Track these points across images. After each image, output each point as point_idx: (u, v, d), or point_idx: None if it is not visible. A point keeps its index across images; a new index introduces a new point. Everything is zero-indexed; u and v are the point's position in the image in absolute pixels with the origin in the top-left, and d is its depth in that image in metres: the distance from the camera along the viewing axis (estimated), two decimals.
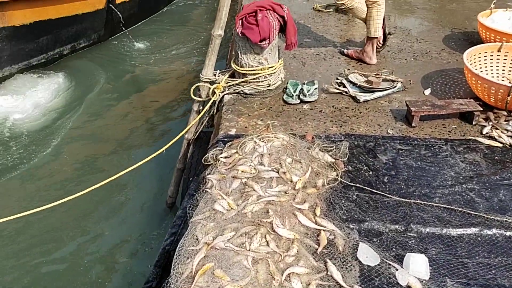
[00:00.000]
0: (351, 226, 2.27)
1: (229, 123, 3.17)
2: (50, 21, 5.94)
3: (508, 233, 2.25)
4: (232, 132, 3.07)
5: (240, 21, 3.44)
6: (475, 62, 3.55)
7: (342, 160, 2.75)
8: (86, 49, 6.87)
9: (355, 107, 3.40)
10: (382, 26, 4.01)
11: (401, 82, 3.65)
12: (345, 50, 4.28)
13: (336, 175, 2.61)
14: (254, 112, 3.32)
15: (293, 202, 2.36)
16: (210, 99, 3.43)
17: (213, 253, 2.05)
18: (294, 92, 3.49)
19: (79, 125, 5.15)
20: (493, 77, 3.51)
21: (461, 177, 2.65)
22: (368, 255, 2.08)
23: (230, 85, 3.54)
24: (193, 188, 2.83)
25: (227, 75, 3.60)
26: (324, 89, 3.62)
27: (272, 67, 3.53)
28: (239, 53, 3.50)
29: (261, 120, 3.21)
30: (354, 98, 3.50)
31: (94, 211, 3.95)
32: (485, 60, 3.59)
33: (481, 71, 3.53)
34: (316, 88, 3.56)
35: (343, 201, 2.44)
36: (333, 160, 2.73)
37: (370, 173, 2.68)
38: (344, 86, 3.60)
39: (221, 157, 2.72)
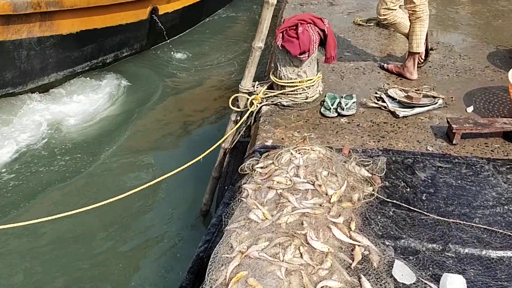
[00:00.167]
0: (387, 243, 2.26)
1: (266, 134, 3.21)
2: (96, 31, 6.19)
3: None
4: (269, 143, 3.11)
5: (281, 34, 3.49)
6: None
7: (379, 175, 2.73)
8: (128, 58, 7.10)
9: (394, 122, 3.38)
10: (424, 41, 3.98)
11: (443, 98, 3.61)
12: (385, 65, 4.26)
13: (373, 190, 2.60)
14: (291, 124, 3.35)
15: (328, 215, 2.37)
16: (248, 109, 3.49)
17: (247, 261, 2.08)
18: (332, 105, 3.51)
19: (119, 131, 5.32)
20: None
21: (503, 198, 2.59)
22: (403, 273, 2.05)
23: (268, 97, 3.59)
24: (228, 197, 2.87)
25: (266, 87, 3.65)
26: (362, 103, 3.61)
27: (310, 80, 3.55)
28: (278, 65, 3.55)
29: (297, 132, 3.24)
30: (393, 113, 3.47)
31: (130, 216, 4.06)
32: None
33: None
34: (354, 102, 3.56)
35: (379, 217, 2.43)
36: (370, 175, 2.72)
37: (408, 189, 2.66)
38: (383, 101, 3.58)
39: (257, 167, 2.76)
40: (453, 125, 3.08)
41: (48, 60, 5.74)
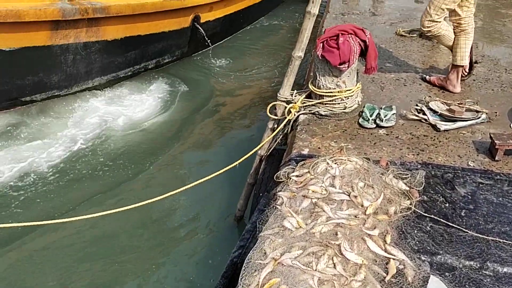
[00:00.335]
0: (423, 258, 2.23)
1: (303, 143, 3.23)
2: (139, 37, 6.40)
3: None
4: (305, 151, 3.13)
5: (321, 44, 3.52)
6: None
7: (417, 189, 2.70)
8: (170, 65, 7.29)
9: (435, 136, 3.33)
10: (469, 54, 3.91)
11: (486, 113, 3.53)
12: (427, 77, 4.21)
13: (410, 204, 2.58)
14: (328, 133, 3.36)
15: (363, 227, 2.37)
16: (285, 118, 3.53)
17: (279, 268, 2.10)
18: (371, 116, 3.50)
19: (159, 135, 5.47)
20: None
21: None
22: None
23: (306, 106, 3.62)
24: (263, 204, 2.91)
25: (304, 96, 3.69)
26: (402, 115, 3.59)
27: (349, 90, 3.56)
28: (318, 74, 3.58)
29: (334, 142, 3.25)
30: (434, 127, 3.43)
31: (166, 218, 4.16)
32: None
33: None
34: (393, 114, 3.53)
35: (415, 231, 2.41)
36: (408, 188, 2.70)
37: (447, 205, 2.62)
38: (424, 113, 3.54)
39: (293, 176, 2.79)
40: (496, 141, 3.02)
41: (93, 64, 5.97)
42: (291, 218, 2.43)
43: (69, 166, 4.74)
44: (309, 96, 3.72)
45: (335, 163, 2.85)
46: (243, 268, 2.16)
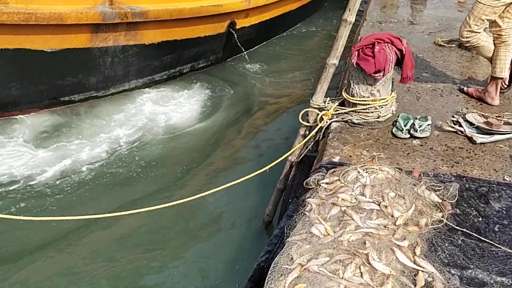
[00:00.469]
0: (453, 272, 2.21)
1: (334, 150, 3.25)
2: (176, 42, 6.56)
3: None
4: (336, 159, 3.14)
5: (357, 52, 3.53)
6: None
7: (450, 201, 2.67)
8: (204, 69, 7.42)
9: (470, 148, 3.28)
10: (509, 66, 3.84)
11: None
12: (465, 88, 4.15)
13: (442, 217, 2.55)
14: (360, 142, 3.36)
15: (392, 238, 2.36)
16: (317, 125, 3.55)
17: (306, 274, 2.12)
18: (405, 126, 3.48)
19: (191, 137, 5.60)
20: None
21: None
22: None
23: (339, 113, 3.63)
24: (291, 210, 2.94)
25: (337, 103, 3.70)
26: (437, 126, 3.55)
27: (384, 99, 3.55)
28: (352, 82, 3.59)
29: (366, 150, 3.25)
30: (470, 139, 3.38)
31: (196, 219, 4.24)
32: None
33: None
34: (429, 124, 3.50)
35: (446, 244, 2.38)
36: (440, 201, 2.67)
37: (480, 219, 2.58)
38: (460, 125, 3.49)
39: (323, 183, 2.80)
40: None
41: (130, 67, 6.15)
42: (319, 225, 2.45)
43: (109, 166, 4.90)
44: (342, 104, 3.73)
45: (366, 172, 2.85)
46: (269, 272, 2.19)
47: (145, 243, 3.97)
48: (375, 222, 2.46)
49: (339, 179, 2.82)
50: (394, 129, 3.50)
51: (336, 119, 3.64)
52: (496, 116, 3.52)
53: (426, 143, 3.35)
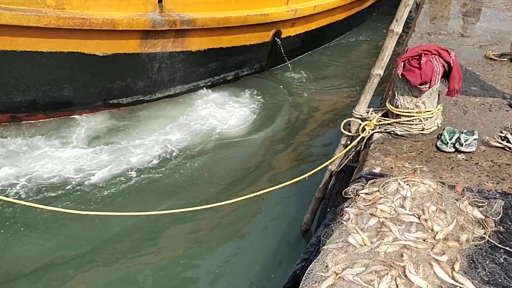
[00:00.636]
0: None
1: (375, 161, 3.23)
2: (221, 49, 6.72)
3: None
4: (377, 170, 3.13)
5: (402, 62, 3.52)
6: None
7: (493, 218, 2.61)
8: (248, 77, 7.54)
9: None
10: None
11: None
12: None
13: (484, 233, 2.49)
14: (403, 154, 3.33)
15: (431, 252, 2.33)
16: (359, 135, 3.55)
17: (340, 283, 2.13)
18: (450, 139, 3.42)
19: (235, 142, 5.75)
20: None
21: None
22: None
23: (382, 124, 3.61)
24: (329, 219, 2.95)
25: (380, 114, 3.68)
26: (484, 141, 3.46)
27: (429, 111, 3.51)
28: (396, 93, 3.57)
29: (409, 163, 3.22)
30: None
31: (233, 223, 4.32)
32: None
33: None
34: (475, 139, 3.42)
35: (487, 262, 2.32)
36: (483, 217, 2.61)
37: None
38: (508, 141, 3.40)
39: (362, 193, 2.80)
40: None
41: (176, 73, 6.35)
42: (356, 234, 2.45)
43: (157, 169, 5.09)
44: (385, 115, 3.71)
45: (407, 184, 2.83)
46: (303, 278, 2.22)
47: (182, 245, 4.08)
48: (414, 235, 2.43)
49: (378, 190, 2.81)
50: (439, 143, 3.45)
51: (379, 129, 3.62)
52: None
53: (471, 158, 3.28)
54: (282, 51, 7.53)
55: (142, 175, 4.95)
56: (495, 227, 2.55)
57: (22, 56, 4.84)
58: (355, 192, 2.87)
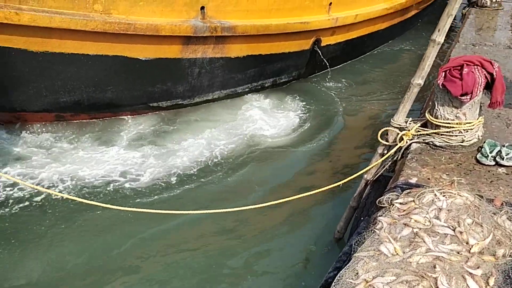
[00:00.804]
0: None
1: (411, 171, 3.21)
2: (260, 56, 6.80)
3: None
4: (413, 180, 3.11)
5: (443, 73, 3.49)
6: None
7: None
8: (286, 84, 7.59)
9: None
10: None
11: None
12: None
13: None
14: (441, 165, 3.30)
15: (465, 265, 2.30)
16: (397, 144, 3.53)
17: None
18: (491, 152, 3.35)
19: (273, 148, 5.85)
20: None
21: None
22: None
23: (420, 134, 3.59)
24: (362, 227, 2.95)
25: (419, 124, 3.66)
26: None
27: (469, 123, 3.46)
28: (436, 104, 3.54)
29: (446, 174, 3.18)
30: None
31: (265, 227, 4.39)
32: None
33: None
34: None
35: None
36: None
37: None
38: None
39: (396, 202, 2.79)
40: None
41: (215, 79, 6.48)
42: (389, 243, 2.45)
43: (199, 172, 5.24)
44: (424, 125, 3.68)
45: (444, 196, 2.80)
46: (333, 284, 2.24)
47: (217, 247, 4.17)
48: (448, 247, 2.41)
49: (413, 200, 2.80)
50: (479, 155, 3.39)
51: (417, 140, 3.60)
52: None
53: None
54: (322, 59, 7.54)
55: (186, 179, 5.08)
56: None
57: (70, 58, 5.07)
58: (389, 202, 2.86)
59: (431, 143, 3.54)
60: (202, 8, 5.67)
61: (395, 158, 3.59)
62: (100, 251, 4.08)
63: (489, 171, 3.22)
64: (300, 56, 7.37)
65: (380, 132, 3.66)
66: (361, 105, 7.09)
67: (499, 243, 2.46)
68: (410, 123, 3.68)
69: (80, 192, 4.76)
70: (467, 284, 2.20)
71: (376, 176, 3.68)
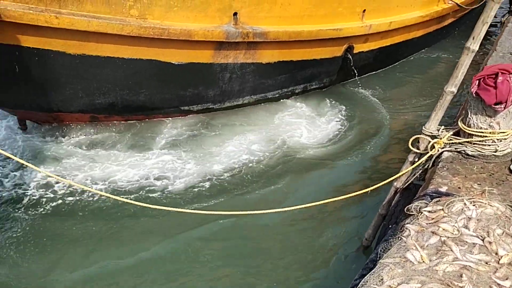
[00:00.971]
0: None
1: (442, 180, 3.19)
2: (291, 63, 6.84)
3: None
4: (443, 189, 3.09)
5: (477, 81, 3.46)
6: None
7: None
8: (316, 90, 7.61)
9: None
10: None
11: None
12: None
13: None
14: (472, 175, 3.26)
15: (493, 275, 2.28)
16: (428, 152, 3.51)
17: None
18: None
19: (307, 152, 5.93)
20: None
21: None
22: None
23: (452, 143, 3.56)
24: (390, 235, 2.95)
25: (451, 132, 3.63)
26: None
27: (503, 132, 3.41)
28: (469, 112, 3.51)
29: (478, 184, 3.14)
30: None
31: (294, 230, 4.44)
32: None
33: None
34: None
35: None
36: None
37: None
38: None
39: (425, 210, 2.79)
40: None
41: (245, 84, 6.56)
42: (415, 251, 2.45)
43: (233, 175, 5.38)
44: (457, 134, 3.65)
45: (474, 205, 2.77)
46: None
47: (244, 250, 4.25)
48: (476, 256, 2.39)
49: (442, 209, 2.78)
50: None
51: (449, 148, 3.57)
52: None
53: None
54: (354, 66, 7.52)
55: (220, 184, 5.20)
56: None
57: (105, 61, 5.24)
58: (417, 209, 2.86)
59: (463, 152, 3.51)
60: (235, 14, 5.77)
61: (426, 166, 3.57)
62: (140, 252, 4.22)
63: None
64: (332, 62, 7.38)
65: (411, 140, 3.65)
66: (393, 112, 7.07)
67: None
68: (442, 131, 3.65)
69: (114, 194, 4.87)
70: None
71: (406, 184, 3.67)
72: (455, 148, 3.55)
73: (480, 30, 3.50)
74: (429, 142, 3.58)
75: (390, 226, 3.47)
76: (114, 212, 4.64)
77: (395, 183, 3.71)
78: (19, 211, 4.60)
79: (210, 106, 6.45)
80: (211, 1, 5.43)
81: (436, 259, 2.38)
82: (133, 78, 5.55)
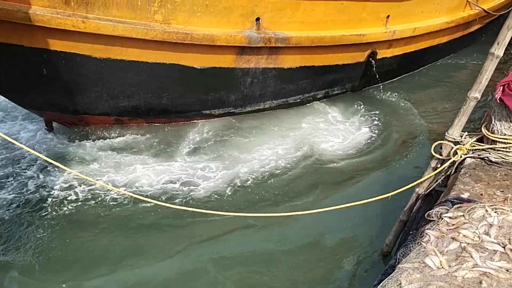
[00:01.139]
0: None
1: (464, 186, 3.17)
2: (313, 68, 6.86)
3: None
4: (465, 195, 3.07)
5: (502, 87, 3.43)
6: None
7: None
8: (338, 96, 7.61)
9: None
10: None
11: None
12: None
13: None
14: (495, 181, 3.23)
15: None
16: (450, 158, 3.49)
17: None
18: None
19: (329, 158, 5.94)
20: None
21: None
22: None
23: (476, 149, 3.53)
24: (410, 240, 2.94)
25: (475, 139, 3.61)
26: None
27: None
28: (493, 118, 3.48)
29: (501, 191, 3.11)
30: None
31: (314, 235, 4.46)
32: None
33: None
34: None
35: None
36: None
37: None
38: None
39: (446, 216, 2.77)
40: None
41: (267, 88, 6.60)
42: (435, 256, 2.44)
43: (259, 179, 5.45)
44: (480, 140, 3.62)
45: (495, 212, 2.75)
46: None
47: (261, 255, 4.27)
48: (496, 263, 2.37)
49: (463, 215, 2.77)
50: None
51: (472, 155, 3.54)
52: None
53: None
54: (377, 72, 7.50)
55: (244, 190, 5.25)
56: None
57: (130, 65, 5.37)
58: (438, 215, 2.85)
59: (486, 158, 3.48)
60: (257, 19, 5.83)
61: (448, 172, 3.55)
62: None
63: None
64: (355, 68, 7.37)
65: (433, 146, 3.64)
66: (417, 117, 7.04)
67: None
68: (465, 137, 3.63)
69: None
70: None
71: (428, 190, 3.65)
72: (478, 155, 3.52)
73: (505, 36, 3.47)
74: (452, 148, 3.56)
75: (411, 232, 3.45)
76: (137, 216, 4.72)
77: (416, 189, 3.70)
78: (43, 213, 4.70)
79: (231, 111, 6.52)
80: (234, 6, 5.50)
81: (455, 265, 2.37)
82: (157, 82, 5.66)
